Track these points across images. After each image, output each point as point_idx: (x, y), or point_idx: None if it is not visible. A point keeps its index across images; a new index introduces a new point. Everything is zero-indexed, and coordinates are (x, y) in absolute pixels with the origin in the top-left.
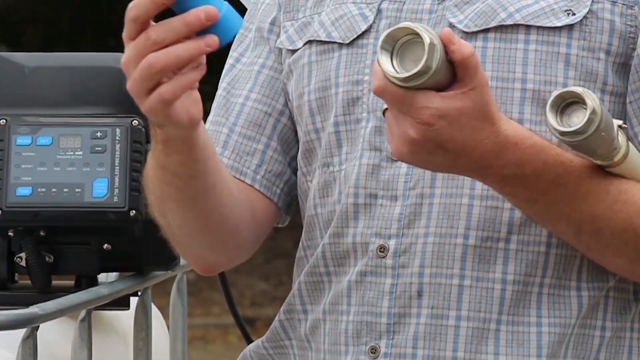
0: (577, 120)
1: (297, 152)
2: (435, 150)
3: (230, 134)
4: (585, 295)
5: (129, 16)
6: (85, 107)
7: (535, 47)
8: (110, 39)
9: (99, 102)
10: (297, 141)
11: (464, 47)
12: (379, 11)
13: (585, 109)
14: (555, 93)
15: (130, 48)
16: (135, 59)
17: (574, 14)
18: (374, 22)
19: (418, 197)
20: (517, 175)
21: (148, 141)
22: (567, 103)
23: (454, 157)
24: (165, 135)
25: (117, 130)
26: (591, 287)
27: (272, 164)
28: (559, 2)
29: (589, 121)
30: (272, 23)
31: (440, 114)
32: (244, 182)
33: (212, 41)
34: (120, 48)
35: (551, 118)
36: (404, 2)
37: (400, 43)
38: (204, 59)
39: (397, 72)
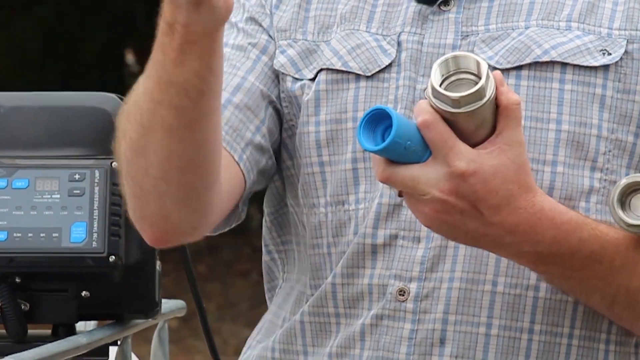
0: None
1: (278, 145)
2: (468, 211)
3: (226, 104)
4: (613, 350)
5: None
6: (63, 148)
7: (571, 87)
8: (80, 76)
9: (78, 143)
10: (279, 137)
11: (511, 94)
12: (398, 44)
13: None
14: (621, 182)
15: None
16: None
17: (609, 54)
18: (395, 56)
19: (443, 240)
20: (552, 254)
21: None
22: (631, 191)
23: (486, 222)
24: (191, 33)
25: (96, 172)
26: (620, 341)
27: (257, 150)
28: (594, 41)
29: None
30: (261, 5)
31: (475, 167)
32: (230, 154)
33: None
34: (92, 89)
35: (617, 208)
36: (424, 35)
37: (450, 80)
38: None
39: (451, 94)
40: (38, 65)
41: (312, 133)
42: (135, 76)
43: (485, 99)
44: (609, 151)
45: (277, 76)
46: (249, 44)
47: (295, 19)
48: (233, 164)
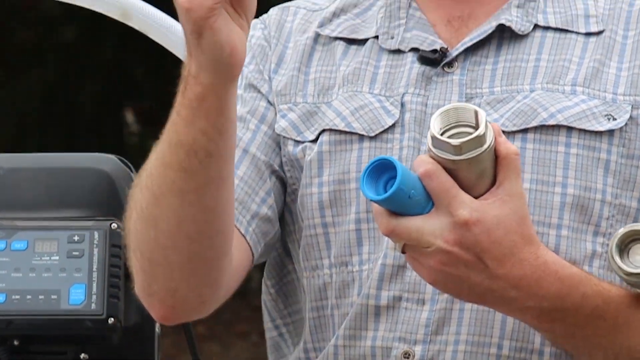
0: None
1: (283, 210)
2: (473, 264)
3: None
4: None
5: None
6: (62, 209)
7: (577, 151)
8: (79, 136)
9: (77, 205)
10: (283, 206)
11: (510, 144)
12: (402, 105)
13: None
14: (621, 231)
15: None
16: None
17: (614, 119)
18: (399, 117)
19: (448, 302)
20: (556, 309)
21: None
22: (630, 240)
23: (491, 275)
24: (200, 86)
25: (95, 233)
26: None
27: (263, 221)
28: (599, 106)
29: None
30: (259, 72)
31: (478, 216)
32: (236, 227)
33: None
34: (91, 149)
35: (616, 256)
36: (428, 97)
37: (449, 134)
38: None
39: (451, 141)
40: (37, 125)
41: (315, 194)
42: (135, 135)
43: (485, 146)
44: (612, 216)
45: (278, 143)
46: (248, 112)
47: (294, 83)
48: (239, 238)
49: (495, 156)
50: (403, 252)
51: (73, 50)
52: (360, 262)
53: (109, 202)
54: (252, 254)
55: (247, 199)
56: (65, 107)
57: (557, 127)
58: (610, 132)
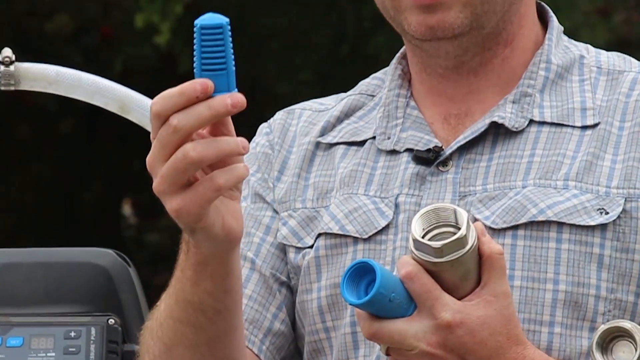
0: (624, 355)
1: (295, 323)
2: None
3: None
4: None
5: (152, 111)
6: (58, 305)
7: (568, 247)
8: (77, 229)
9: (74, 300)
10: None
11: (493, 244)
12: (396, 206)
13: (633, 344)
14: (602, 328)
15: (153, 145)
16: (159, 153)
17: (607, 213)
18: (392, 217)
19: None
20: None
21: (125, 341)
22: (613, 336)
23: None
24: (201, 254)
25: (92, 329)
26: None
27: (277, 337)
28: (591, 200)
29: None
30: (264, 180)
31: (461, 318)
32: (250, 349)
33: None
34: (89, 242)
35: (597, 354)
36: (422, 197)
37: (430, 235)
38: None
39: (432, 244)
40: (35, 220)
41: (314, 300)
42: (132, 228)
43: (467, 247)
44: (609, 311)
45: (283, 251)
46: (252, 227)
47: (294, 189)
48: (253, 357)
49: (479, 256)
50: (387, 354)
51: (71, 144)
52: None
53: (106, 297)
54: None
55: (259, 316)
56: (63, 202)
57: (548, 222)
58: (603, 226)
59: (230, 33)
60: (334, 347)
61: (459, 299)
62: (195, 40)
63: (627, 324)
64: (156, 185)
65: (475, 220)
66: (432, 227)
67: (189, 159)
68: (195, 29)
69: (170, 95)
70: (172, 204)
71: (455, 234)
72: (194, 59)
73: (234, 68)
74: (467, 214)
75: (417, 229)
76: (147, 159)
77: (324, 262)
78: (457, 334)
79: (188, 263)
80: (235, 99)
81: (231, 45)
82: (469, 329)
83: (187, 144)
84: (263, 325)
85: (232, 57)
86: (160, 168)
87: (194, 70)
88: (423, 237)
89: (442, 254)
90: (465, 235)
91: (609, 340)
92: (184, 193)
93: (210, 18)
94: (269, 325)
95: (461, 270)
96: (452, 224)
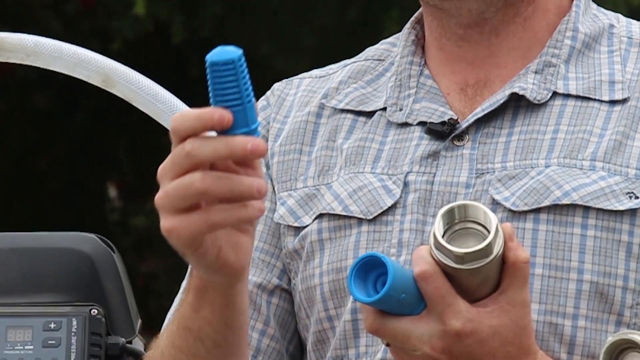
0: None
1: (294, 337)
2: None
3: (260, 337)
4: None
5: (171, 126)
6: (37, 294)
7: (595, 233)
8: (51, 212)
9: (53, 289)
10: (295, 325)
11: (520, 250)
12: (405, 184)
13: None
14: (610, 340)
15: (168, 157)
16: (170, 170)
17: (637, 197)
18: (400, 196)
19: None
20: None
21: (108, 333)
22: (622, 348)
23: None
24: (200, 279)
25: (74, 320)
26: None
27: (269, 354)
28: (619, 183)
29: None
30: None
31: (472, 327)
32: None
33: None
34: (64, 225)
35: None
36: (434, 174)
37: (455, 228)
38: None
39: (454, 249)
40: (5, 202)
41: (317, 286)
42: (116, 211)
43: (491, 257)
44: (637, 304)
45: (273, 252)
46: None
47: (295, 167)
48: None
49: (503, 262)
50: (388, 345)
51: (46, 118)
52: (357, 355)
53: (88, 285)
54: None
55: (278, 347)
56: (37, 181)
57: (573, 206)
58: (633, 212)
59: (244, 65)
60: (335, 336)
61: (474, 301)
62: (207, 76)
63: (636, 336)
64: (157, 198)
65: (495, 202)
66: (457, 221)
67: (194, 188)
68: (206, 65)
69: (187, 116)
70: (165, 223)
71: (480, 234)
72: (209, 93)
73: (253, 101)
74: (496, 220)
75: (439, 226)
76: (160, 167)
77: (327, 245)
78: (466, 343)
79: (190, 286)
80: (255, 145)
81: (247, 77)
82: (479, 338)
83: (197, 172)
84: (250, 344)
85: (250, 90)
86: (167, 183)
87: (210, 104)
88: (445, 233)
89: (462, 262)
90: (491, 243)
91: (618, 352)
92: (180, 216)
93: (220, 53)
94: (257, 345)
95: (480, 277)
96: (480, 222)
